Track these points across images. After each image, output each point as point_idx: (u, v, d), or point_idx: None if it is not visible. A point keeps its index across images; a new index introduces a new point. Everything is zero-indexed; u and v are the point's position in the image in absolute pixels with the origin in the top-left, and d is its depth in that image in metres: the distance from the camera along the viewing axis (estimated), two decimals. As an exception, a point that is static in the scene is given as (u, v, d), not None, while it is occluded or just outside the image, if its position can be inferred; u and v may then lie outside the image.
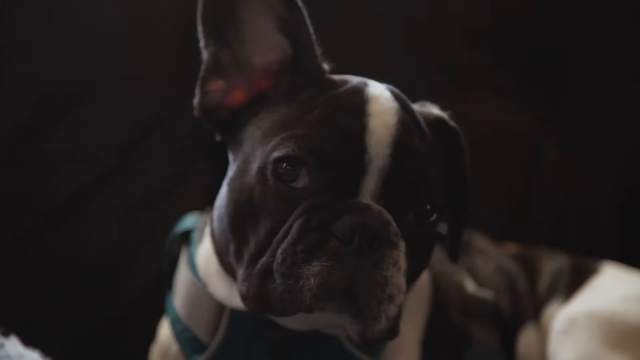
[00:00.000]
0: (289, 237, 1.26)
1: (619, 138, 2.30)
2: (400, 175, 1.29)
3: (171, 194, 2.10)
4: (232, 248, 1.36)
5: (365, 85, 1.38)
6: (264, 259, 1.28)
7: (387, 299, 1.25)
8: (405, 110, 1.36)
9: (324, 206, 1.26)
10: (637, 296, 1.70)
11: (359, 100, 1.33)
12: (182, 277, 1.54)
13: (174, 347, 1.52)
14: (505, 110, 2.31)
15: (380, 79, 1.44)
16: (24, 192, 2.04)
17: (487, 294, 1.68)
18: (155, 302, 1.72)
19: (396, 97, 1.38)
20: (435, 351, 1.56)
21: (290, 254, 1.24)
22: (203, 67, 1.42)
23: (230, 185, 1.38)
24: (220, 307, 1.44)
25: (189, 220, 1.62)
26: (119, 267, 2.07)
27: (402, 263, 1.27)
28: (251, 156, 1.35)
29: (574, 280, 1.79)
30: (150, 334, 1.65)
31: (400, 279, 1.26)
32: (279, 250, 1.26)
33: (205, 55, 1.42)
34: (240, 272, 1.32)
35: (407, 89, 1.45)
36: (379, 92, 1.37)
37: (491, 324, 1.66)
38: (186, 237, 1.58)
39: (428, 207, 1.33)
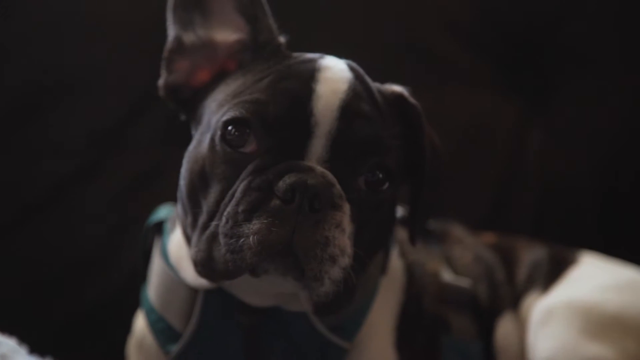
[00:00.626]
0: (233, 199, 1.27)
1: (601, 130, 2.30)
2: (348, 138, 1.30)
3: (153, 183, 2.10)
4: (189, 219, 1.37)
5: (321, 57, 1.40)
6: (212, 224, 1.29)
7: (328, 259, 1.25)
8: (359, 81, 1.38)
9: (268, 168, 1.28)
10: (615, 286, 1.70)
11: (309, 68, 1.36)
12: (155, 267, 1.54)
13: (149, 338, 1.52)
14: (489, 103, 2.31)
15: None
16: (7, 183, 2.05)
17: (464, 283, 1.68)
18: (137, 294, 1.72)
19: (352, 69, 1.39)
20: (411, 338, 1.56)
21: (232, 215, 1.26)
22: (166, 48, 1.47)
23: (187, 157, 1.41)
24: (192, 295, 1.44)
25: (163, 211, 1.62)
26: (102, 258, 2.07)
27: (347, 225, 1.28)
28: (206, 127, 1.38)
29: (553, 271, 1.79)
30: (131, 326, 1.63)
31: (343, 240, 1.27)
32: (224, 213, 1.27)
33: (169, 37, 1.47)
34: (193, 240, 1.34)
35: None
36: (333, 62, 1.39)
37: (469, 312, 1.66)
38: (160, 228, 1.58)
39: (379, 174, 1.34)
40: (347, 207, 1.28)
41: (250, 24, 1.44)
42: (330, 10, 2.23)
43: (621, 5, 2.31)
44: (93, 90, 2.10)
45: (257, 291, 1.40)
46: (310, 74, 1.34)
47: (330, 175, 1.28)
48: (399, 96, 1.45)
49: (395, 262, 1.60)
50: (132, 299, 1.64)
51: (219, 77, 1.44)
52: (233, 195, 1.28)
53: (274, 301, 1.42)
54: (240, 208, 1.26)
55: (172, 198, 1.62)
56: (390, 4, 2.28)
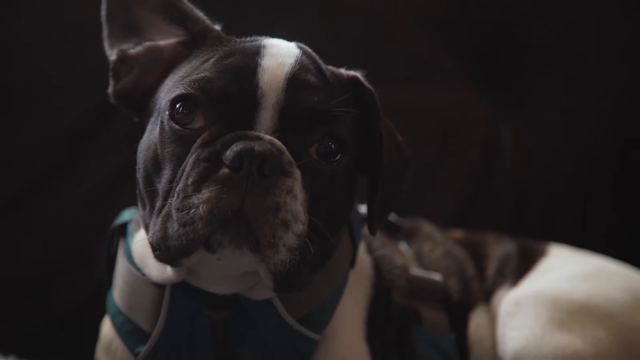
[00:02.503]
0: (184, 173, 1.28)
1: (574, 122, 2.33)
2: (295, 108, 1.32)
3: (124, 184, 2.08)
4: (147, 209, 1.38)
5: (268, 38, 1.42)
6: (166, 203, 1.29)
7: (281, 225, 1.25)
8: (306, 56, 1.39)
9: (215, 140, 1.28)
10: (582, 275, 1.71)
11: (255, 45, 1.38)
12: (119, 269, 1.53)
13: (117, 341, 1.51)
14: (462, 97, 2.33)
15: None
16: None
17: (434, 277, 1.69)
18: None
19: (301, 48, 1.41)
20: (381, 331, 1.56)
21: (182, 188, 1.27)
22: (112, 64, 1.50)
23: (140, 148, 1.42)
24: (159, 294, 1.44)
25: (126, 214, 1.62)
26: (73, 260, 2.07)
27: (299, 192, 1.28)
28: (156, 115, 1.39)
29: (522, 265, 1.80)
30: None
31: (296, 206, 1.27)
32: (176, 189, 1.28)
33: (113, 52, 1.50)
34: (150, 225, 1.34)
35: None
36: (278, 41, 1.41)
37: (440, 306, 1.66)
38: (123, 230, 1.58)
39: (331, 144, 1.34)
40: (298, 174, 1.29)
41: (182, 25, 1.47)
42: (302, 7, 2.25)
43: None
44: (63, 90, 2.10)
45: (219, 276, 1.40)
46: (255, 50, 1.36)
47: (278, 143, 1.28)
48: (353, 79, 1.46)
49: (363, 257, 1.61)
50: (102, 302, 1.63)
51: (166, 73, 1.45)
52: (184, 171, 1.29)
53: (239, 286, 1.41)
54: (190, 180, 1.26)
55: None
56: (362, 1, 2.30)
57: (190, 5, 1.49)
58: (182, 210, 1.25)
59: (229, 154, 1.25)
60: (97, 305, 1.73)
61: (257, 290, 1.42)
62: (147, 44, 1.50)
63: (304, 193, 1.29)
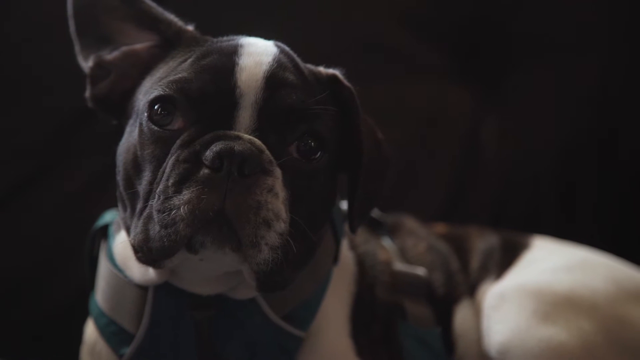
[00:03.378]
0: (164, 175, 1.28)
1: (556, 115, 2.33)
2: (274, 107, 1.32)
3: (106, 188, 2.06)
4: (128, 211, 1.37)
5: (245, 37, 1.41)
6: (147, 205, 1.29)
7: (263, 224, 1.25)
8: (284, 55, 1.39)
9: (195, 140, 1.28)
10: (566, 266, 1.71)
11: (232, 45, 1.38)
12: (102, 270, 1.53)
13: (100, 343, 1.50)
14: (444, 92, 2.34)
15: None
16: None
17: (418, 271, 1.69)
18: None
19: (278, 47, 1.41)
20: (366, 327, 1.56)
21: (163, 190, 1.26)
22: (89, 70, 1.50)
23: (119, 151, 1.42)
24: (142, 295, 1.43)
25: (108, 216, 1.61)
26: (54, 264, 2.06)
27: (279, 190, 1.28)
28: (134, 117, 1.39)
29: (505, 258, 1.80)
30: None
31: (277, 205, 1.27)
32: (157, 191, 1.27)
33: (89, 60, 1.50)
34: (132, 227, 1.33)
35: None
36: (257, 40, 1.41)
37: (424, 300, 1.66)
38: (105, 232, 1.57)
39: (311, 142, 1.34)
40: (278, 172, 1.29)
41: (155, 30, 1.47)
42: (284, 6, 2.24)
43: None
44: (48, 90, 2.10)
45: (202, 277, 1.39)
46: (233, 49, 1.36)
47: (258, 142, 1.28)
48: (332, 77, 1.46)
49: (346, 253, 1.61)
50: (86, 305, 1.62)
51: (144, 75, 1.44)
52: (164, 172, 1.29)
53: (222, 287, 1.41)
54: (170, 182, 1.26)
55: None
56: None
57: (159, 9, 1.49)
58: (163, 212, 1.25)
59: (208, 154, 1.25)
60: (81, 308, 1.73)
61: (240, 290, 1.41)
62: (124, 48, 1.50)
63: (285, 191, 1.29)
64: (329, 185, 1.42)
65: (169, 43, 1.45)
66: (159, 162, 1.31)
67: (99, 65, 1.50)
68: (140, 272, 1.42)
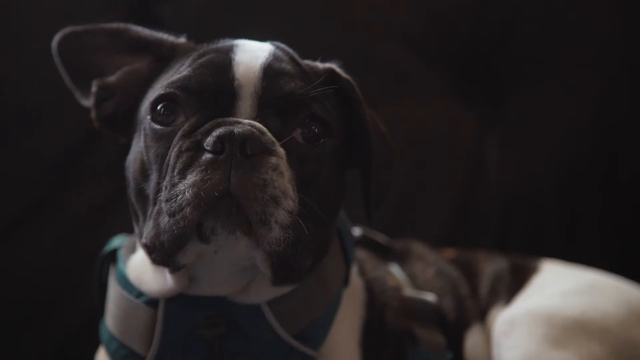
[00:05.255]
0: (169, 168, 1.29)
1: (558, 135, 2.33)
2: (274, 95, 1.34)
3: (109, 214, 2.10)
4: (140, 220, 1.38)
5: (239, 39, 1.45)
6: (157, 202, 1.30)
7: (270, 201, 1.25)
8: (280, 50, 1.43)
9: (195, 130, 1.30)
10: (575, 290, 1.70)
11: (228, 44, 1.42)
12: (111, 294, 1.52)
13: None
14: (445, 113, 2.34)
15: None
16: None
17: (428, 297, 1.68)
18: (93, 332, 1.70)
19: (274, 44, 1.44)
20: (377, 352, 1.56)
21: (169, 180, 1.28)
22: (93, 95, 1.52)
23: (127, 165, 1.44)
24: (152, 315, 1.42)
25: (116, 241, 1.61)
26: (60, 293, 2.06)
27: (285, 169, 1.29)
28: (140, 128, 1.41)
29: (515, 282, 1.79)
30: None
31: (283, 183, 1.28)
32: (163, 184, 1.29)
33: (92, 90, 1.52)
34: (144, 231, 1.34)
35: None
36: (250, 41, 1.44)
37: (435, 325, 1.65)
38: (113, 257, 1.57)
39: (314, 128, 1.36)
40: (282, 152, 1.30)
41: (147, 52, 1.50)
42: (283, 22, 2.25)
43: (570, 10, 2.36)
44: (47, 120, 2.11)
45: (219, 275, 1.39)
46: (229, 48, 1.40)
47: (258, 124, 1.30)
48: (329, 70, 1.47)
49: (355, 280, 1.60)
50: (94, 333, 1.62)
51: (146, 89, 1.46)
52: (168, 166, 1.30)
53: (239, 284, 1.40)
54: (175, 171, 1.27)
55: (128, 231, 1.62)
56: (344, 17, 2.32)
57: (147, 32, 1.52)
58: (171, 200, 1.26)
59: (209, 139, 1.26)
60: (90, 336, 1.73)
61: (255, 288, 1.40)
62: (125, 68, 1.52)
63: (291, 171, 1.30)
64: (336, 174, 1.43)
65: (165, 58, 1.48)
66: (163, 160, 1.33)
67: (103, 89, 1.52)
68: (157, 283, 1.42)
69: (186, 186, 1.25)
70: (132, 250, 1.54)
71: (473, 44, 2.34)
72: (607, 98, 2.31)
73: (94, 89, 1.52)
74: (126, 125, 1.49)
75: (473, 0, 2.33)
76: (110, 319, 1.50)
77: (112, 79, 1.52)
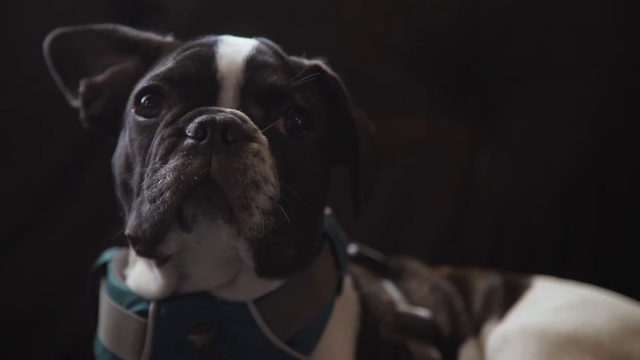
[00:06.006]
0: (151, 156, 1.30)
1: (549, 150, 2.34)
2: (256, 86, 1.36)
3: (99, 233, 2.09)
4: (126, 213, 1.39)
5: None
6: (140, 192, 1.31)
7: (251, 185, 1.26)
8: (264, 44, 1.45)
9: (178, 118, 1.32)
10: (568, 305, 1.71)
11: (212, 39, 1.44)
12: (103, 306, 1.53)
13: None
14: (436, 129, 2.35)
15: None
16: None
17: (422, 312, 1.69)
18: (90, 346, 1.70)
19: (258, 39, 1.47)
20: None
21: (151, 167, 1.29)
22: (81, 94, 1.54)
23: (113, 162, 1.46)
24: (143, 326, 1.43)
25: (107, 255, 1.62)
26: (50, 312, 2.06)
27: (266, 156, 1.30)
28: (125, 124, 1.43)
29: (508, 297, 1.80)
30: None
31: (264, 169, 1.29)
32: (146, 172, 1.30)
33: (80, 90, 1.54)
34: (128, 223, 1.35)
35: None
36: (236, 37, 1.47)
37: (430, 340, 1.66)
38: (104, 270, 1.57)
39: (297, 119, 1.38)
40: (264, 139, 1.31)
41: (135, 52, 1.52)
42: (275, 35, 2.27)
43: (559, 27, 2.37)
44: (38, 136, 2.12)
45: (205, 267, 1.40)
46: (213, 42, 1.42)
47: (240, 113, 1.32)
48: (315, 67, 1.48)
49: (350, 293, 1.61)
50: (89, 349, 1.62)
51: (133, 87, 1.47)
52: (151, 155, 1.31)
53: (225, 277, 1.41)
54: (157, 157, 1.29)
55: (123, 245, 1.63)
56: (334, 33, 2.33)
57: (135, 32, 1.54)
58: (151, 186, 1.27)
59: (191, 126, 1.28)
60: (86, 351, 1.73)
61: (242, 282, 1.41)
62: (112, 67, 1.54)
63: (273, 159, 1.31)
64: (320, 167, 1.44)
65: (153, 57, 1.50)
66: (147, 151, 1.34)
67: (91, 88, 1.54)
68: (153, 284, 1.43)
69: (167, 170, 1.26)
70: (124, 263, 1.54)
71: (463, 59, 2.35)
72: (599, 113, 2.32)
73: (81, 88, 1.55)
74: (114, 125, 1.51)
75: (463, 16, 2.35)
76: (103, 332, 1.50)
77: (99, 78, 1.55)
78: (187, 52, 1.40)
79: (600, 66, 2.33)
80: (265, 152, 1.30)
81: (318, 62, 1.50)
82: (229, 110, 1.31)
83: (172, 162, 1.27)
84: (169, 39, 1.54)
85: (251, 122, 1.31)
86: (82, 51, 1.55)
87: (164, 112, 1.36)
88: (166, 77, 1.37)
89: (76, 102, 1.56)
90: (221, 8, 2.31)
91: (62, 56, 1.56)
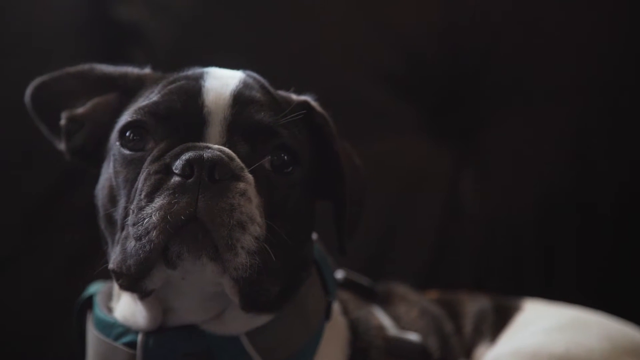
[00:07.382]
0: (137, 192, 1.29)
1: (534, 170, 2.35)
2: (243, 122, 1.35)
3: (86, 264, 2.07)
4: (109, 246, 1.37)
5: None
6: (124, 226, 1.30)
7: (237, 226, 1.25)
8: (251, 78, 1.44)
9: (165, 154, 1.31)
10: (558, 326, 1.70)
11: (198, 72, 1.43)
12: (90, 340, 1.50)
13: None
14: (420, 150, 2.36)
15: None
16: None
17: (412, 336, 1.68)
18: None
19: (245, 73, 1.46)
20: None
21: (136, 204, 1.28)
22: (63, 127, 1.53)
23: (96, 193, 1.44)
24: (131, 357, 1.41)
25: (93, 287, 1.60)
26: (37, 344, 2.05)
27: (253, 195, 1.29)
28: (109, 156, 1.42)
29: (499, 320, 1.79)
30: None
31: (251, 209, 1.28)
32: (131, 208, 1.28)
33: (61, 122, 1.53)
34: (111, 257, 1.33)
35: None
36: (222, 69, 1.45)
37: None
38: (91, 304, 1.55)
39: (284, 156, 1.37)
40: (250, 178, 1.30)
41: (114, 88, 1.51)
42: (261, 61, 2.27)
43: (544, 49, 2.38)
44: (21, 167, 2.12)
45: (191, 301, 1.38)
46: (199, 75, 1.41)
47: (227, 150, 1.31)
48: (303, 103, 1.48)
49: (339, 319, 1.60)
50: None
51: (115, 119, 1.46)
52: (136, 190, 1.30)
53: (212, 311, 1.39)
54: (143, 194, 1.27)
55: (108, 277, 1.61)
56: (318, 55, 2.34)
57: (111, 68, 1.53)
58: (137, 224, 1.26)
59: (178, 163, 1.27)
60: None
61: (229, 317, 1.39)
62: (94, 99, 1.53)
63: (259, 198, 1.31)
64: (305, 204, 1.44)
65: (133, 90, 1.48)
66: (132, 185, 1.32)
67: (72, 120, 1.53)
68: (144, 319, 1.40)
69: (153, 209, 1.25)
70: (109, 296, 1.52)
71: (447, 81, 2.37)
72: (582, 134, 2.33)
73: (63, 121, 1.54)
74: (96, 156, 1.50)
75: (448, 39, 2.37)
76: None
77: (80, 110, 1.54)
78: (173, 86, 1.39)
79: (583, 87, 2.35)
80: (252, 192, 1.30)
81: (307, 98, 1.50)
82: (216, 147, 1.30)
83: (159, 201, 1.25)
84: (147, 70, 1.53)
85: (238, 160, 1.30)
86: (61, 96, 1.54)
87: (150, 145, 1.35)
88: (151, 111, 1.35)
89: (62, 145, 1.55)
90: (203, 37, 2.31)
91: (44, 105, 1.55)
